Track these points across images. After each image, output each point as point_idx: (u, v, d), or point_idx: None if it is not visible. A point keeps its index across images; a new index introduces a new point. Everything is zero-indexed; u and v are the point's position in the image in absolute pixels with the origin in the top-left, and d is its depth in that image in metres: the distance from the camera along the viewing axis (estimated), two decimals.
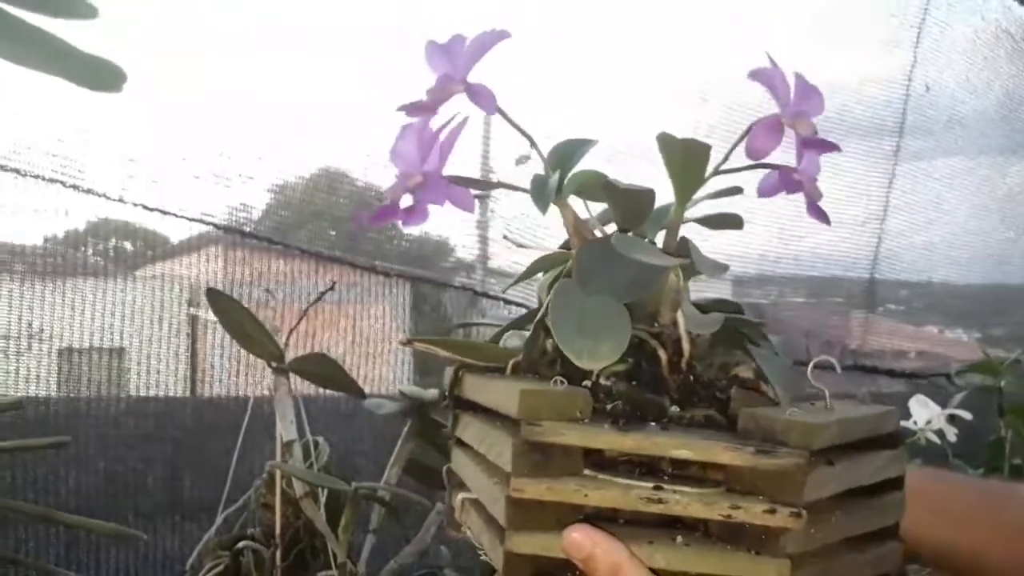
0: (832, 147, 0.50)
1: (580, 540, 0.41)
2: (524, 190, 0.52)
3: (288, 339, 0.82)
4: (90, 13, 0.76)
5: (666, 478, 0.43)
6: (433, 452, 0.91)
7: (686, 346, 0.48)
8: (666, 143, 0.49)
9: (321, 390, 1.10)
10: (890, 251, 2.06)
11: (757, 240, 1.88)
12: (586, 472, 0.43)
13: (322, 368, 0.82)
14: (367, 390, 1.06)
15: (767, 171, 0.53)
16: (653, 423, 0.45)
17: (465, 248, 1.81)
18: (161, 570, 1.34)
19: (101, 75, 0.77)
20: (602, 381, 0.47)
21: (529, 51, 1.30)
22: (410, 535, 0.94)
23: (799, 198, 0.53)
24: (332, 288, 0.83)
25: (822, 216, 0.53)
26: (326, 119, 1.42)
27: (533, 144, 0.53)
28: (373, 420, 1.41)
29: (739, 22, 1.67)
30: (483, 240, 1.80)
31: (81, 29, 0.75)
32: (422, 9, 1.41)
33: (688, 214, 0.53)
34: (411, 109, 0.51)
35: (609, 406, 0.46)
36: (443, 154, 0.52)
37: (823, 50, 1.83)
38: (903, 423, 1.35)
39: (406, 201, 0.53)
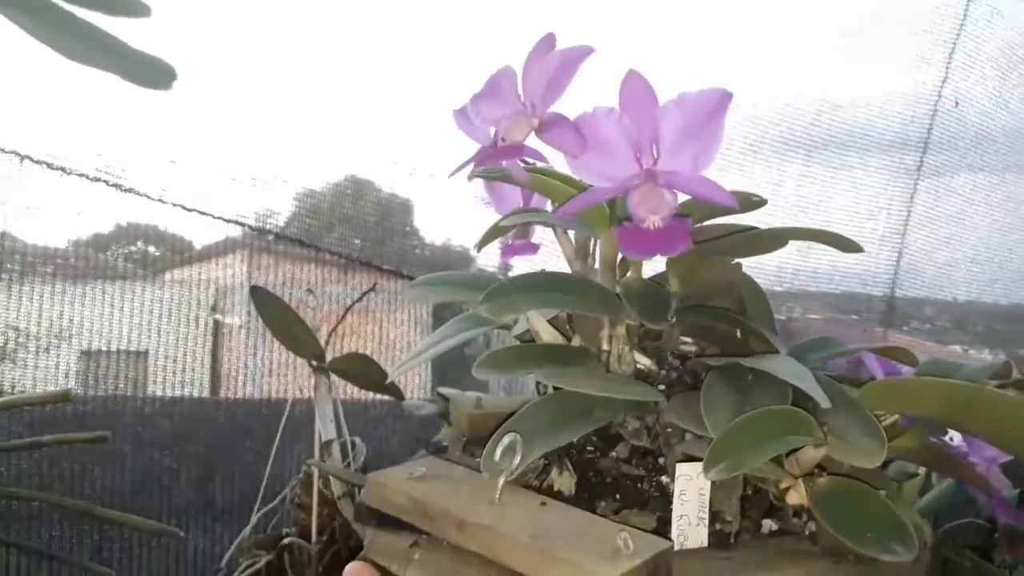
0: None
1: None
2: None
3: (329, 339, 0.82)
4: (143, 11, 0.77)
5: None
6: None
7: None
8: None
9: (351, 392, 1.09)
10: (911, 266, 2.04)
11: (775, 252, 1.84)
12: None
13: (362, 369, 0.82)
14: None
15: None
16: None
17: (486, 256, 1.81)
18: (189, 568, 1.33)
19: (152, 72, 0.77)
20: None
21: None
22: None
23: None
24: (374, 289, 0.84)
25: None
26: (354, 127, 1.43)
27: None
28: (401, 425, 1.41)
29: (767, 37, 1.66)
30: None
31: (131, 27, 0.76)
32: (453, 29, 1.42)
33: None
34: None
35: None
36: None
37: (851, 67, 1.82)
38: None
39: None
